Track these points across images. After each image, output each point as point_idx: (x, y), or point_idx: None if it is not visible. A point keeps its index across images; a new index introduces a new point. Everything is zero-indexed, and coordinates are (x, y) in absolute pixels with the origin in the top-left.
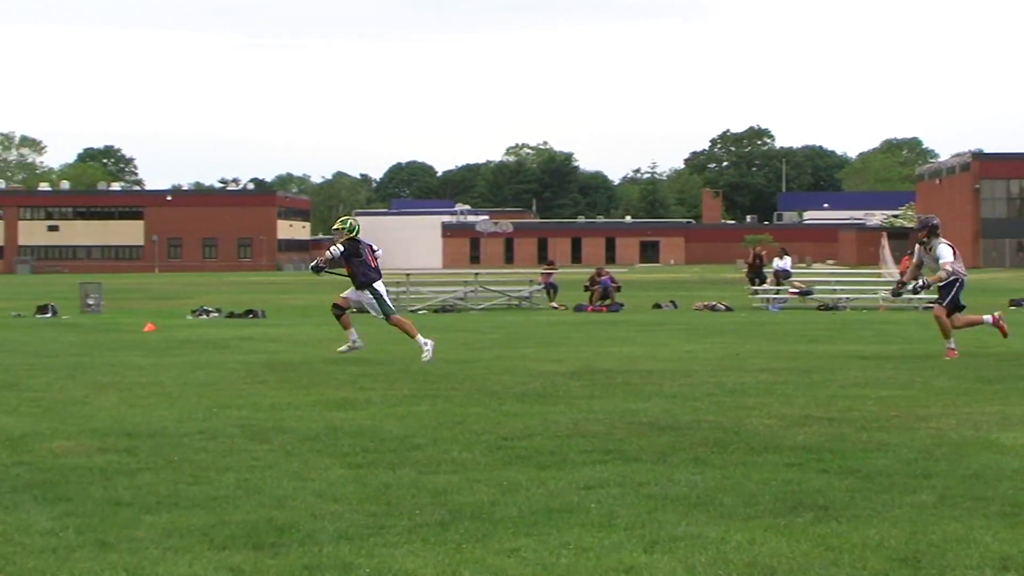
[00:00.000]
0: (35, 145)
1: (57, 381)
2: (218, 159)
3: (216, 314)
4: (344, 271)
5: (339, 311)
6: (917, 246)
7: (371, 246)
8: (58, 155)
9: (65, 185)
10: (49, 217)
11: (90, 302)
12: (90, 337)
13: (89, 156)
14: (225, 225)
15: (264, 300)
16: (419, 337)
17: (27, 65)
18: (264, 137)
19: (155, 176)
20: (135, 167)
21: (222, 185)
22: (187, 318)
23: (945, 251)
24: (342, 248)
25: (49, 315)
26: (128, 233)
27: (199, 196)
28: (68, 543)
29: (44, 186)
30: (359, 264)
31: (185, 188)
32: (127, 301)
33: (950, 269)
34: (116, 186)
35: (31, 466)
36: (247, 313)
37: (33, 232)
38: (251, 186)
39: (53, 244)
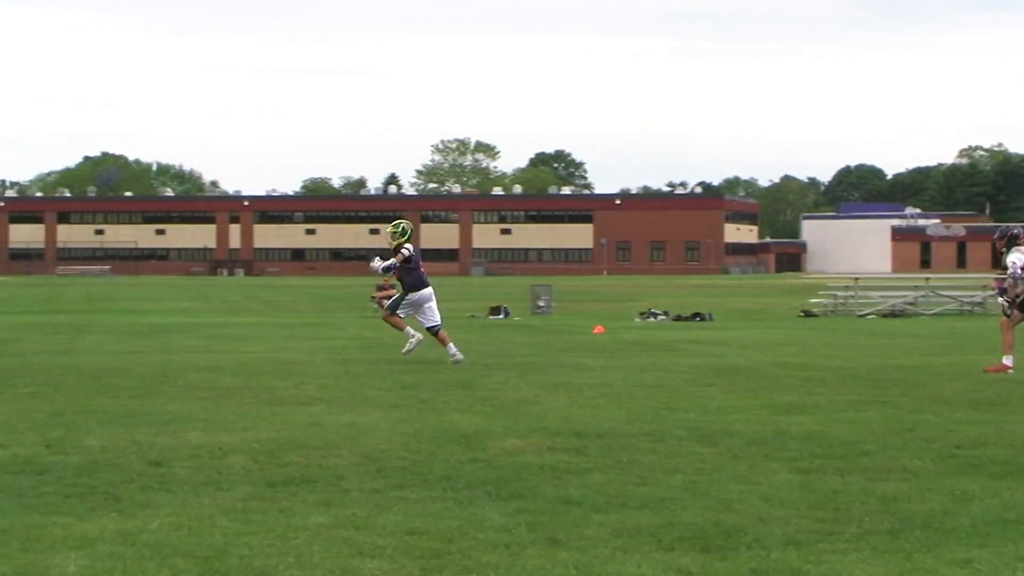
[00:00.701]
0: (489, 150)
1: (509, 381)
2: (665, 162)
3: (663, 317)
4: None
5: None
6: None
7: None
8: (511, 160)
9: (517, 189)
10: (502, 220)
11: (541, 304)
12: (540, 338)
13: (540, 160)
14: (673, 228)
15: (711, 303)
16: (408, 329)
17: (482, 73)
18: (711, 140)
19: (604, 180)
20: (584, 171)
21: (669, 188)
22: (635, 320)
23: (1013, 257)
24: (409, 250)
25: (501, 316)
26: (577, 236)
27: (647, 200)
28: (520, 539)
29: (497, 190)
30: (408, 271)
31: (633, 192)
32: (576, 303)
33: (1017, 272)
34: (566, 190)
35: (485, 463)
36: (694, 316)
37: (486, 235)
38: (698, 189)
39: (505, 247)
